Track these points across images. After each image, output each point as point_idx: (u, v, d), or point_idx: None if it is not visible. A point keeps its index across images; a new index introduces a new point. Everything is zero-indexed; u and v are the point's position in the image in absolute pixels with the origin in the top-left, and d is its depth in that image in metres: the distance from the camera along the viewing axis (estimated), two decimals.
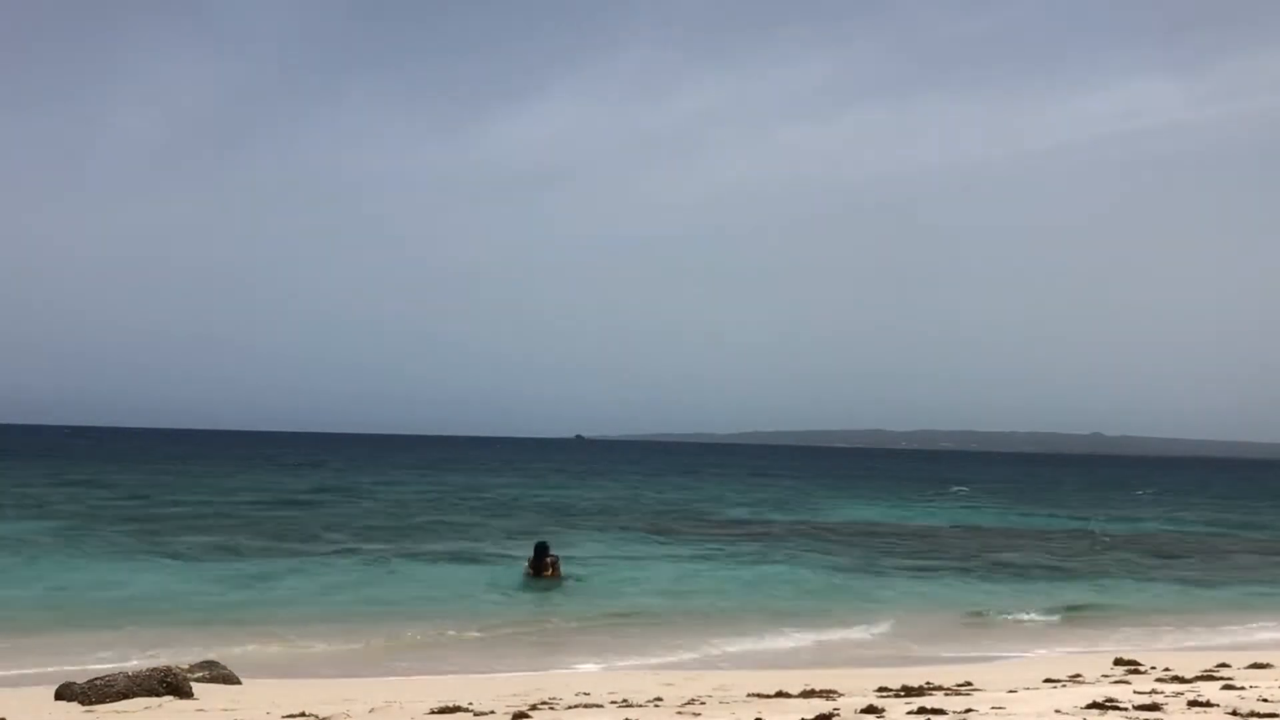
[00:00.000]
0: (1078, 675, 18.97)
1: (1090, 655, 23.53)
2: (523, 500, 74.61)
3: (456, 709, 15.44)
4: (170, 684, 16.85)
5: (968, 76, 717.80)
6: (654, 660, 23.36)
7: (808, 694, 16.77)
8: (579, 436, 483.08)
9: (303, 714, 15.25)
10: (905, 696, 16.23)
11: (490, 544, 44.89)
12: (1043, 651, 25.42)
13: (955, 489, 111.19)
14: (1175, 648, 25.57)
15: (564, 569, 36.31)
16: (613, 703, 16.30)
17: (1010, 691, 16.64)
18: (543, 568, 35.77)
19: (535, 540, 37.86)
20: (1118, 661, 20.94)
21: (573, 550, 41.95)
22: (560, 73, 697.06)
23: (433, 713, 15.27)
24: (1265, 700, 15.04)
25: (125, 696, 16.44)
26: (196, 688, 17.23)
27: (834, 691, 16.89)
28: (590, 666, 22.74)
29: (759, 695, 16.85)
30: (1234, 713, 13.95)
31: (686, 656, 23.92)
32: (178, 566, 35.55)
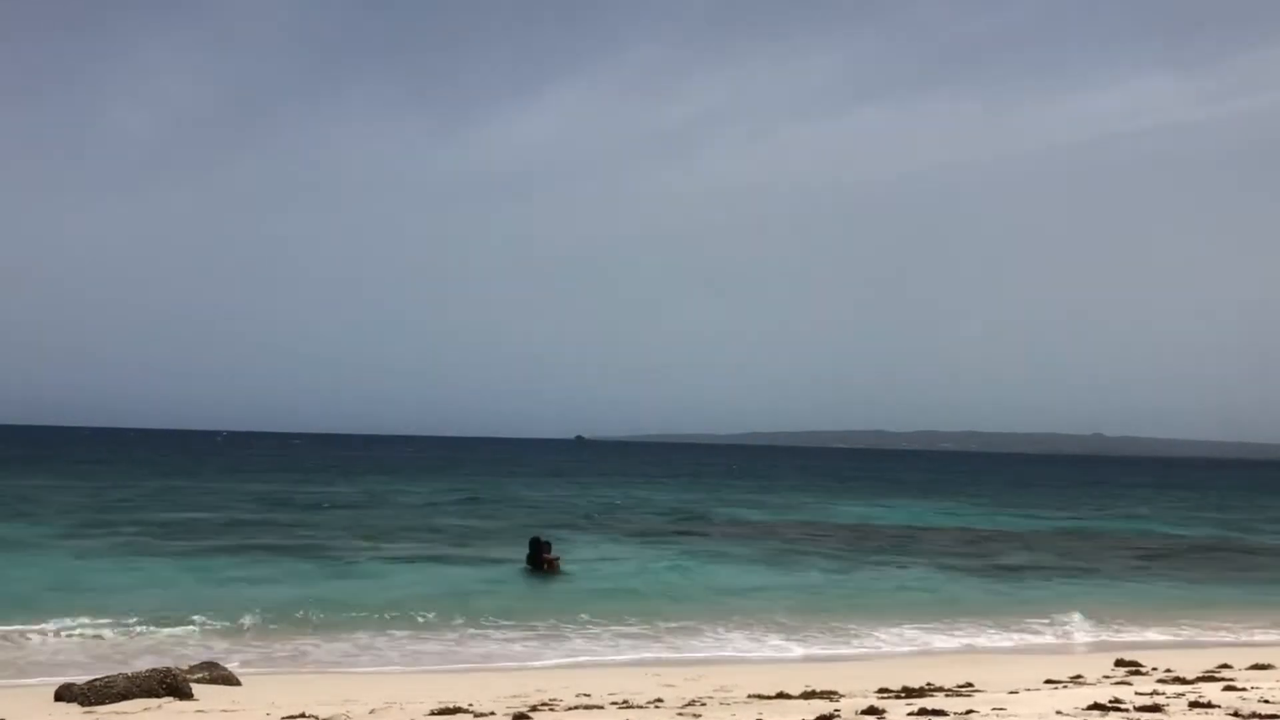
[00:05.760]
0: (1079, 676, 18.96)
1: (1091, 655, 23.53)
2: (523, 501, 74.63)
3: (457, 709, 15.42)
4: (170, 685, 16.85)
5: (970, 76, 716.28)
6: (653, 658, 23.37)
7: (808, 695, 16.77)
8: (579, 437, 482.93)
9: (302, 715, 15.24)
10: (906, 697, 16.22)
11: (489, 544, 44.88)
12: (1043, 651, 25.43)
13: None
14: (1176, 648, 25.54)
15: (563, 567, 36.52)
16: (613, 703, 16.28)
17: (1011, 692, 16.63)
18: (540, 563, 35.95)
19: (532, 537, 38.08)
20: (1119, 662, 20.94)
21: (572, 549, 41.98)
22: (562, 71, 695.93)
23: (433, 713, 15.26)
24: (1267, 701, 15.01)
25: (125, 697, 16.44)
26: (196, 688, 17.23)
27: (834, 692, 16.88)
28: (588, 664, 22.76)
29: (759, 696, 16.84)
30: (1235, 714, 13.92)
31: (686, 656, 23.93)
32: (178, 568, 35.56)
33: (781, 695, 16.74)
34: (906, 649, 25.68)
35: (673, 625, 27.64)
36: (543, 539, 37.49)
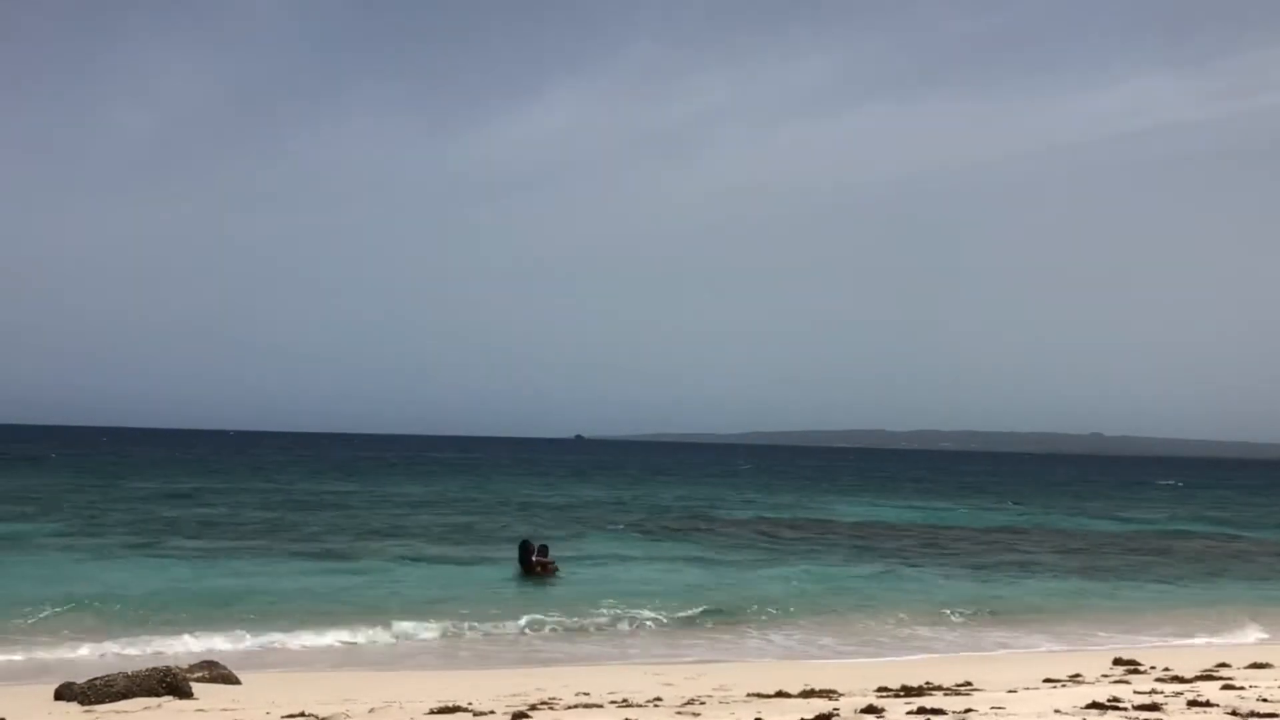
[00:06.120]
0: (1077, 675, 18.96)
1: (1090, 654, 23.52)
2: (522, 501, 74.62)
3: (456, 709, 15.44)
4: (170, 684, 16.86)
5: (971, 75, 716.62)
6: (651, 659, 23.37)
7: (807, 694, 16.78)
8: (579, 436, 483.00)
9: (302, 714, 15.26)
10: (905, 696, 16.23)
11: (487, 545, 44.90)
12: (1043, 650, 25.45)
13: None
14: (1175, 647, 25.56)
15: (562, 566, 36.48)
16: (612, 703, 16.30)
17: (1010, 691, 16.64)
18: (532, 566, 35.85)
19: (521, 539, 38.05)
20: (1117, 661, 20.94)
21: (571, 550, 42.00)
22: (562, 71, 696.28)
23: (432, 713, 15.27)
24: (1265, 700, 15.03)
25: (125, 696, 16.45)
26: (196, 688, 17.24)
27: (834, 691, 16.89)
28: (588, 663, 22.76)
29: (759, 695, 16.85)
30: (1234, 713, 13.94)
31: (685, 654, 23.94)
32: (178, 567, 35.56)
33: (780, 694, 16.76)
34: (907, 648, 25.68)
35: (672, 624, 27.69)
36: (534, 542, 37.37)
